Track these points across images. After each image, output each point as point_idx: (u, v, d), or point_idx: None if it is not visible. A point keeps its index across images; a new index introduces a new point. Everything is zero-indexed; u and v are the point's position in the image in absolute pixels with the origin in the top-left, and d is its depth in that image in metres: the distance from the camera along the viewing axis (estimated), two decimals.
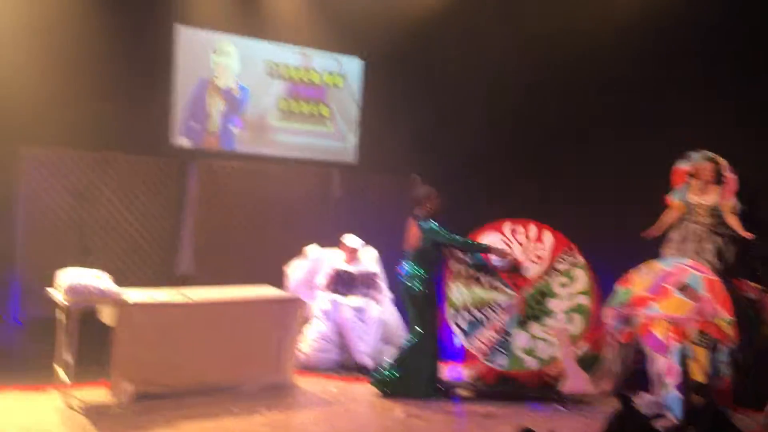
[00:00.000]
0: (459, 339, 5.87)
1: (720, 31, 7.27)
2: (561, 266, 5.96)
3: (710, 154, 6.76)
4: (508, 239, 5.97)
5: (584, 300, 5.94)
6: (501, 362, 5.85)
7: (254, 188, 8.42)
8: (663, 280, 5.95)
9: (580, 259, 6.00)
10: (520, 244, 5.98)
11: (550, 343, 5.86)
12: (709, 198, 6.61)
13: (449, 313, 5.88)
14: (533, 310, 5.91)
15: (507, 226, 6.01)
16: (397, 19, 8.56)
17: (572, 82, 8.72)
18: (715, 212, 6.58)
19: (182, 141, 8.23)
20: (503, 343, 5.86)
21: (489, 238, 5.97)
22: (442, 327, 5.90)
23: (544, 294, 5.94)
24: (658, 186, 7.13)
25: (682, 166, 6.89)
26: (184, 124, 8.23)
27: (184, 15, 8.04)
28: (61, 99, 7.19)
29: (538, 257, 5.97)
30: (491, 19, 8.85)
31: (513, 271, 5.92)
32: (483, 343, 5.87)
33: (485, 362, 5.86)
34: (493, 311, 5.90)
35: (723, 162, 6.72)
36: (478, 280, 5.91)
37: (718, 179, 6.66)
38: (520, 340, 5.88)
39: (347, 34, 8.88)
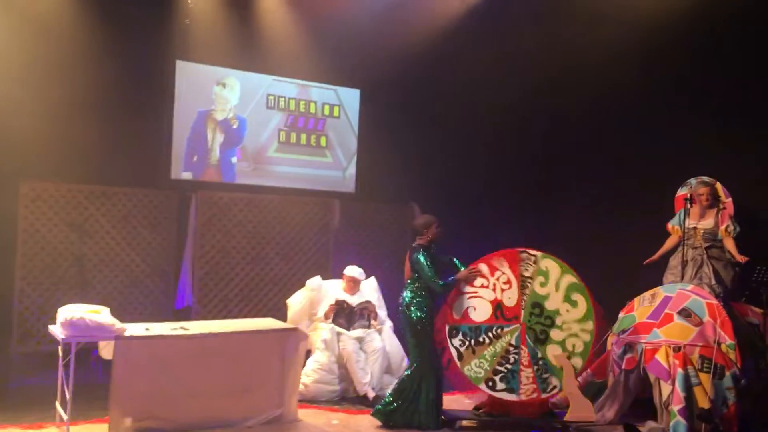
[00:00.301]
0: (512, 399, 5.84)
1: (716, 57, 7.33)
2: (528, 272, 5.98)
3: (707, 179, 6.79)
4: (473, 292, 5.96)
5: (570, 278, 5.97)
6: (555, 384, 5.86)
7: (254, 219, 8.43)
8: (665, 307, 5.94)
9: (536, 253, 6.02)
10: (485, 287, 5.98)
11: (577, 335, 5.88)
12: (706, 222, 6.62)
13: (481, 387, 5.87)
14: (542, 324, 5.89)
15: (461, 285, 5.98)
16: (393, 50, 8.65)
17: (571, 107, 8.78)
18: (712, 236, 6.58)
19: (183, 174, 8.27)
20: (543, 368, 5.86)
21: (459, 304, 5.94)
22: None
23: (537, 303, 5.94)
24: (661, 213, 7.15)
25: (681, 192, 6.94)
26: (184, 157, 8.28)
27: (185, 50, 8.15)
28: (60, 133, 7.25)
29: (506, 283, 5.97)
30: (487, 47, 8.95)
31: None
32: (528, 384, 5.85)
33: (544, 395, 5.83)
34: (513, 354, 5.89)
35: (720, 186, 6.75)
36: (481, 343, 5.90)
37: (716, 203, 6.68)
38: (551, 352, 5.87)
39: (344, 66, 8.98)
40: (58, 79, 7.32)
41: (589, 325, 5.90)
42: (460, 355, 5.87)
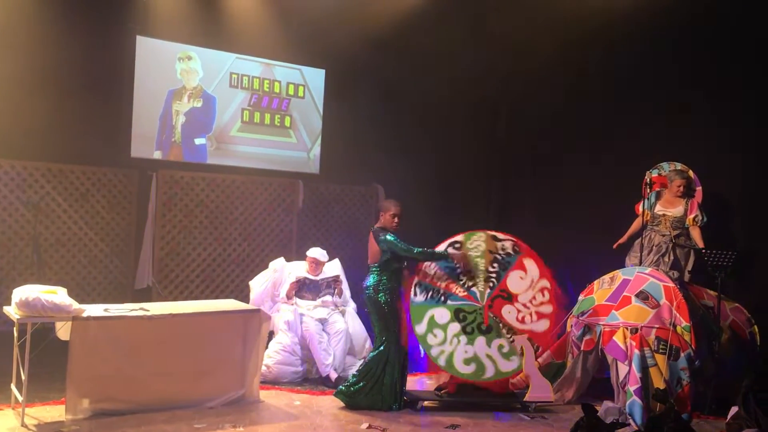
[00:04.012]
0: (442, 246, 5.86)
1: (683, 49, 7.39)
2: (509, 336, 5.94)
3: (681, 167, 6.83)
4: (534, 285, 5.92)
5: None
6: (417, 297, 5.84)
7: (216, 200, 8.34)
8: (623, 289, 6.04)
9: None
10: (530, 299, 5.91)
11: (449, 343, 5.82)
12: (676, 210, 6.67)
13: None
14: (474, 323, 5.88)
15: (546, 281, 5.92)
16: (359, 29, 8.58)
17: (537, 89, 8.83)
18: (681, 224, 6.65)
19: (144, 152, 8.11)
20: (435, 295, 5.86)
21: (532, 267, 5.91)
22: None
23: (491, 329, 5.88)
24: (622, 197, 7.23)
25: (653, 174, 6.94)
26: (145, 135, 8.11)
27: (146, 27, 7.97)
28: (16, 110, 7.05)
29: (521, 318, 5.89)
30: (454, 28, 8.93)
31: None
32: (435, 269, 5.87)
33: (415, 277, 5.85)
34: (466, 278, 5.89)
35: (692, 174, 6.81)
36: (491, 263, 5.90)
37: (688, 193, 6.71)
38: (440, 313, 5.84)
39: (309, 45, 8.88)
40: (14, 54, 7.11)
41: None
42: (496, 239, 5.91)
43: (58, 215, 7.49)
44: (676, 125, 7.28)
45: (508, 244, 5.97)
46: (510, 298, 5.92)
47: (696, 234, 6.57)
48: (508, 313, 5.90)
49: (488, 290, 5.92)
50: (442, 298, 5.87)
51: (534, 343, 5.93)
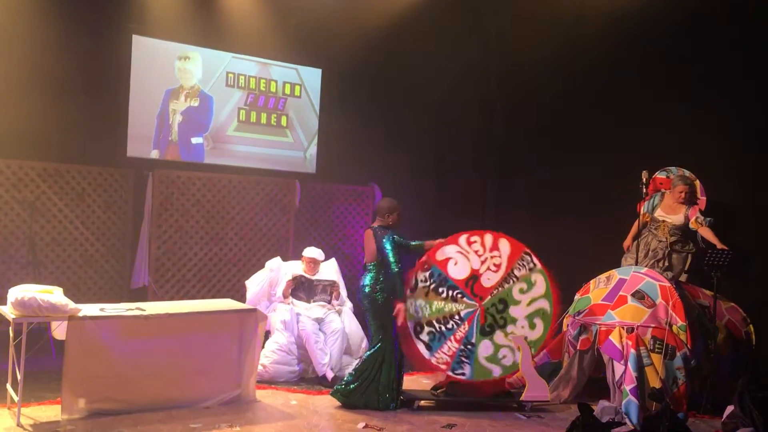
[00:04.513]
0: (423, 354, 5.84)
1: (683, 48, 7.39)
2: (519, 272, 6.01)
3: (689, 174, 6.81)
4: (465, 250, 5.99)
5: (544, 303, 5.98)
6: (464, 371, 5.85)
7: (213, 199, 8.32)
8: (619, 289, 6.05)
9: (537, 263, 6.03)
10: (477, 255, 6.00)
11: (513, 349, 5.90)
12: (676, 217, 6.65)
13: (408, 324, 5.85)
14: (495, 319, 5.94)
15: (463, 238, 6.03)
16: (355, 28, 8.58)
17: (533, 90, 8.83)
18: (680, 231, 6.64)
19: (140, 151, 8.10)
20: (466, 353, 5.87)
21: (446, 250, 5.98)
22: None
23: (505, 301, 5.97)
24: (618, 197, 7.23)
25: (660, 175, 6.91)
26: (142, 135, 8.10)
27: (143, 26, 7.96)
28: (12, 109, 7.03)
29: (496, 266, 6.00)
30: (450, 28, 8.93)
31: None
32: (446, 354, 5.87)
33: (450, 374, 5.85)
34: (455, 322, 5.91)
35: (698, 184, 6.79)
36: (437, 293, 5.92)
37: (690, 200, 6.68)
38: (483, 348, 5.90)
39: (306, 45, 8.88)
40: (10, 53, 7.09)
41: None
42: (415, 288, 5.89)
43: (54, 215, 7.47)
44: (674, 125, 7.29)
45: (420, 275, 5.92)
46: (475, 277, 5.96)
47: (707, 233, 6.48)
48: (488, 279, 5.97)
49: (466, 299, 5.95)
50: (469, 346, 5.88)
51: (527, 255, 6.00)
